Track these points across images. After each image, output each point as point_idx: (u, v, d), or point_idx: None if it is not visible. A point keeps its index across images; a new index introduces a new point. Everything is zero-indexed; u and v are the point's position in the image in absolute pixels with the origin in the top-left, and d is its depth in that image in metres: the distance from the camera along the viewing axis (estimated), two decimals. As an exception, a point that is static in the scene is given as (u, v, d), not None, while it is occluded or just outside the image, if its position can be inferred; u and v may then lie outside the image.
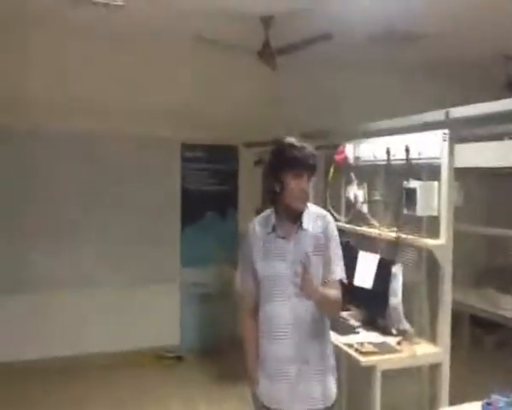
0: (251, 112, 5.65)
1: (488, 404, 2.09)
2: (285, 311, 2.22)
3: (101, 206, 5.43)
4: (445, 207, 2.87)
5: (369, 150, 3.55)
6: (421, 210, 2.93)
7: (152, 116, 5.34)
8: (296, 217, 2.26)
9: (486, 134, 3.69)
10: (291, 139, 2.26)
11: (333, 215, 3.70)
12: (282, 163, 2.22)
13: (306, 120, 5.16)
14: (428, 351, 2.92)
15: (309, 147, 2.25)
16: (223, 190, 6.01)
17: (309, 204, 2.30)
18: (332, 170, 3.81)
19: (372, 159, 3.52)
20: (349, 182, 3.72)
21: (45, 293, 5.21)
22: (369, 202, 3.57)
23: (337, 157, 3.72)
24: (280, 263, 2.23)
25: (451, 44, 5.15)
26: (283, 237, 2.25)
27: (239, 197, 6.04)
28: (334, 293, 2.22)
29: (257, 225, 2.33)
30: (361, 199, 3.59)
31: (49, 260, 5.23)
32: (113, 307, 5.48)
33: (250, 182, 5.76)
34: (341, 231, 2.77)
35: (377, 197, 3.54)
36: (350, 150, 3.68)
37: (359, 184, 3.63)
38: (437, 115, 2.90)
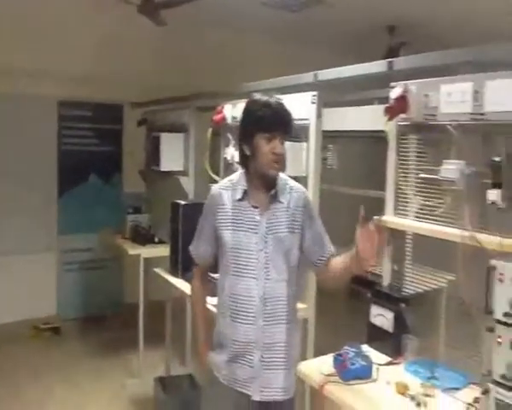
0: (137, 70, 5.40)
1: (339, 355, 2.19)
2: (251, 289, 2.02)
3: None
4: (311, 168, 2.92)
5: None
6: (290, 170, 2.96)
7: (27, 73, 4.93)
8: (269, 185, 2.05)
9: (362, 99, 3.83)
10: (263, 96, 2.02)
11: (211, 176, 3.72)
12: (252, 123, 2.00)
13: (192, 80, 5.05)
14: (295, 308, 3.01)
15: (283, 104, 2.01)
16: (106, 152, 5.73)
17: (283, 174, 2.11)
18: (210, 130, 3.74)
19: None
20: (227, 143, 3.68)
21: None
22: (246, 162, 3.55)
23: (215, 117, 3.66)
24: (250, 235, 2.03)
25: (337, 13, 5.20)
26: (256, 207, 2.05)
27: (123, 159, 5.81)
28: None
29: (223, 191, 2.11)
30: (237, 160, 3.55)
31: None
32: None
33: (135, 143, 5.55)
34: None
35: (254, 158, 3.53)
36: (228, 111, 3.63)
37: (236, 145, 3.58)
38: (306, 77, 2.93)
